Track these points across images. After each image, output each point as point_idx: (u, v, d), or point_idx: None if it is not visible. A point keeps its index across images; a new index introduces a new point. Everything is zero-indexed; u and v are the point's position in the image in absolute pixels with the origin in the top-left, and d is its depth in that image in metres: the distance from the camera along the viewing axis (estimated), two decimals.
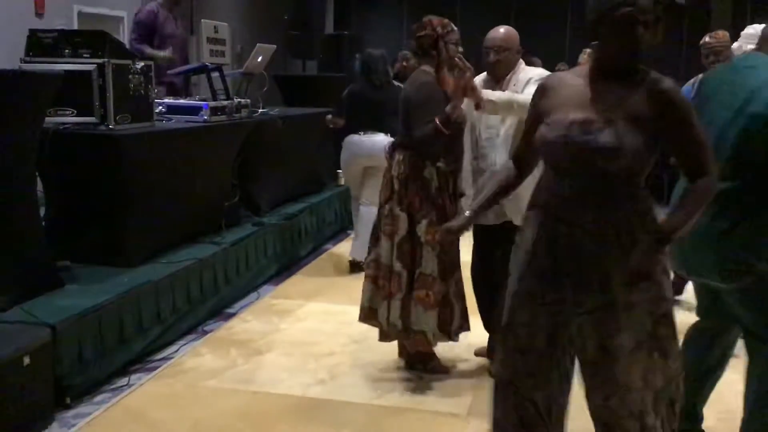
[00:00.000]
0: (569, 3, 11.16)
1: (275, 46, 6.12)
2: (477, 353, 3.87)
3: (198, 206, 4.72)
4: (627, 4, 1.96)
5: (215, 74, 5.30)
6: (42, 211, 3.92)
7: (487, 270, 3.65)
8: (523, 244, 2.20)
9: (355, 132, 5.42)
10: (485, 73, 3.63)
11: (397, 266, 3.48)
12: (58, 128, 3.93)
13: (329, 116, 5.80)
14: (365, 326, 3.70)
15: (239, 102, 5.29)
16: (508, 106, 3.32)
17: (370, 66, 5.42)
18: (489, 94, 3.34)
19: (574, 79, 2.15)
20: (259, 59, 5.79)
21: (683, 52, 10.20)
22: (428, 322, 3.47)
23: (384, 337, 3.65)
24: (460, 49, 3.51)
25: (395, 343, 3.74)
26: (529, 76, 3.47)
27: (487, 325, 3.78)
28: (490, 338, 3.75)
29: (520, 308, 2.18)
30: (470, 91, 3.30)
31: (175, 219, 4.49)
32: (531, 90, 3.24)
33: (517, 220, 3.46)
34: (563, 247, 2.09)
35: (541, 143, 2.13)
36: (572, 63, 6.44)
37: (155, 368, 3.71)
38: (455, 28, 3.55)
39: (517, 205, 3.36)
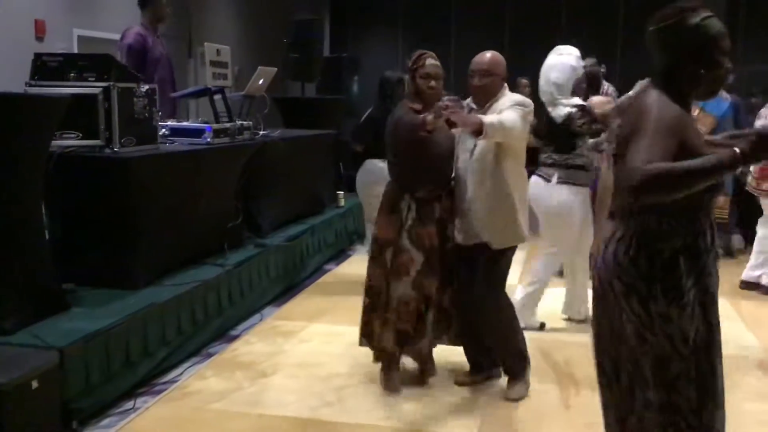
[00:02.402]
0: (562, 20, 11.27)
1: (276, 68, 6.16)
2: (458, 383, 3.84)
3: (201, 228, 4.72)
4: (727, 35, 2.05)
5: (218, 96, 5.33)
6: (47, 234, 3.92)
7: (467, 292, 3.66)
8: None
9: (376, 157, 5.33)
10: (470, 98, 3.64)
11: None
12: (64, 151, 3.94)
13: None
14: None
15: (241, 124, 5.32)
16: (503, 128, 3.33)
17: (386, 91, 5.38)
18: (487, 118, 3.31)
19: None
20: (261, 81, 5.82)
21: None
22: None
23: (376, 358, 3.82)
24: (432, 83, 3.57)
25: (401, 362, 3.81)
26: (510, 102, 3.45)
27: (475, 350, 3.83)
28: (472, 367, 3.85)
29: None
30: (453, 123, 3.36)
31: (179, 241, 4.49)
32: (511, 114, 3.35)
33: (495, 242, 3.50)
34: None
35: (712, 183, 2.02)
36: None
37: (161, 391, 3.70)
38: (428, 62, 3.58)
39: (493, 227, 3.51)
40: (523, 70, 7.88)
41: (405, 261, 3.57)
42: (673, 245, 2.03)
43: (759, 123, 5.67)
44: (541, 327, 4.63)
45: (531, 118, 3.57)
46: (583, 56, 5.25)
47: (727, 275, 6.19)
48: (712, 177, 1.91)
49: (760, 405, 3.73)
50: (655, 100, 2.00)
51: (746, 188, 5.94)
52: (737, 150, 1.84)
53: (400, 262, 3.58)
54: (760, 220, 5.80)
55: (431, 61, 3.60)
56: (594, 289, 2.20)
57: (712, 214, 2.12)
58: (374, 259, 3.69)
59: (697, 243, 2.07)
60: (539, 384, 3.82)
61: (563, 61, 4.52)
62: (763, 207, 5.76)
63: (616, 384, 2.15)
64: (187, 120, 5.76)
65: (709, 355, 2.06)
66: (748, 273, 5.79)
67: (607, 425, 2.24)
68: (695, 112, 5.07)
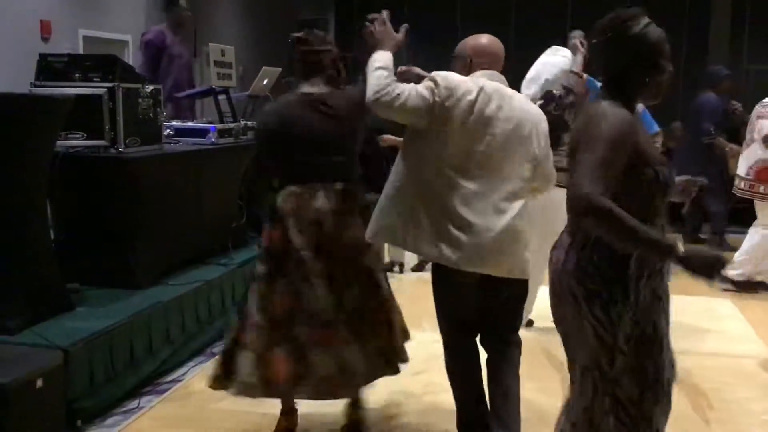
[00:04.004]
0: (568, 14, 11.26)
1: (280, 68, 6.18)
2: None
3: (206, 228, 4.74)
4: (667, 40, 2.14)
5: (222, 97, 5.35)
6: (52, 234, 3.94)
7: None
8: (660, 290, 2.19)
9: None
10: None
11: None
12: (69, 151, 3.97)
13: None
14: None
15: (246, 124, 5.33)
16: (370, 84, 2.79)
17: None
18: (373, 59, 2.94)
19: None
20: (265, 82, 5.83)
21: (682, 61, 10.28)
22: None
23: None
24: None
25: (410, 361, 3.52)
26: None
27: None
28: None
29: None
30: None
31: (183, 240, 4.51)
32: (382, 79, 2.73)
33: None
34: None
35: (663, 185, 2.10)
36: None
37: (165, 390, 3.71)
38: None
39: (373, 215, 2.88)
40: (529, 66, 7.86)
41: None
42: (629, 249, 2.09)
43: (763, 123, 5.63)
44: (529, 324, 4.64)
45: (441, 98, 2.67)
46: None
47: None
48: (645, 251, 2.03)
49: (765, 404, 3.73)
50: (604, 109, 2.06)
51: (734, 191, 5.90)
52: (679, 251, 1.94)
53: None
54: (754, 224, 5.77)
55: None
56: (554, 294, 2.23)
57: (663, 217, 2.17)
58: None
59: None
60: (540, 383, 3.82)
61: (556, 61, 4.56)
62: (757, 210, 5.73)
63: (581, 378, 2.21)
64: (192, 120, 5.79)
65: (651, 349, 2.12)
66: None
67: (574, 414, 2.29)
68: None
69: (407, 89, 2.68)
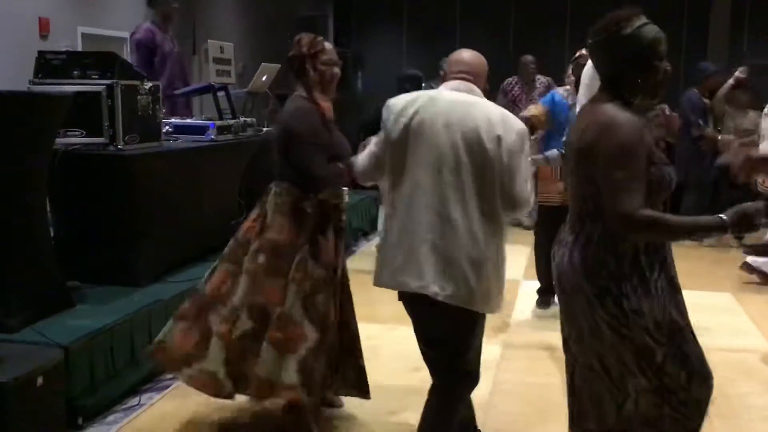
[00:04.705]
0: (567, 20, 11.25)
1: (279, 65, 6.17)
2: None
3: (205, 225, 4.74)
4: (663, 40, 2.13)
5: (221, 94, 5.34)
6: (51, 232, 3.93)
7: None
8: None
9: None
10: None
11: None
12: (68, 149, 3.96)
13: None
14: (373, 340, 3.70)
15: (245, 121, 5.32)
16: None
17: (404, 87, 5.33)
18: None
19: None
20: (264, 78, 5.83)
21: (682, 57, 10.26)
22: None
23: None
24: (336, 70, 3.20)
25: (409, 357, 3.41)
26: None
27: None
28: None
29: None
30: None
31: (183, 238, 4.51)
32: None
33: None
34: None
35: (667, 184, 2.16)
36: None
37: (166, 387, 3.71)
38: (328, 46, 3.23)
39: None
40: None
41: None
42: (634, 244, 2.11)
43: None
44: None
45: (385, 126, 2.64)
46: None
47: (725, 270, 6.23)
48: (696, 237, 2.16)
49: (766, 399, 3.73)
50: (614, 116, 2.08)
51: (759, 189, 5.88)
52: (725, 220, 2.00)
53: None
54: None
55: (329, 45, 3.25)
56: (562, 292, 2.25)
57: (664, 206, 2.24)
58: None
59: None
60: (542, 378, 3.82)
61: None
62: None
63: (606, 377, 2.21)
64: (191, 117, 5.78)
65: (684, 334, 2.18)
66: (755, 258, 5.77)
67: (603, 413, 2.28)
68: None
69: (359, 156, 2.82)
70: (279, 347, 3.03)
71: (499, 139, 2.48)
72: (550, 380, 3.82)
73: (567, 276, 2.20)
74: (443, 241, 2.50)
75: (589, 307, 2.15)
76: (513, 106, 7.72)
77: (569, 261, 2.18)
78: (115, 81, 4.02)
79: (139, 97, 4.22)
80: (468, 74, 2.67)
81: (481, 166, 2.49)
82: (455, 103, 2.57)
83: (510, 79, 8.01)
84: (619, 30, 2.09)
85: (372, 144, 2.74)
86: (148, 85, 4.31)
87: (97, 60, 4.13)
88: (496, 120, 2.52)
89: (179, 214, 4.47)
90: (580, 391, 2.31)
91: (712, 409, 3.29)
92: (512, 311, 5.07)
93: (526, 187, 2.55)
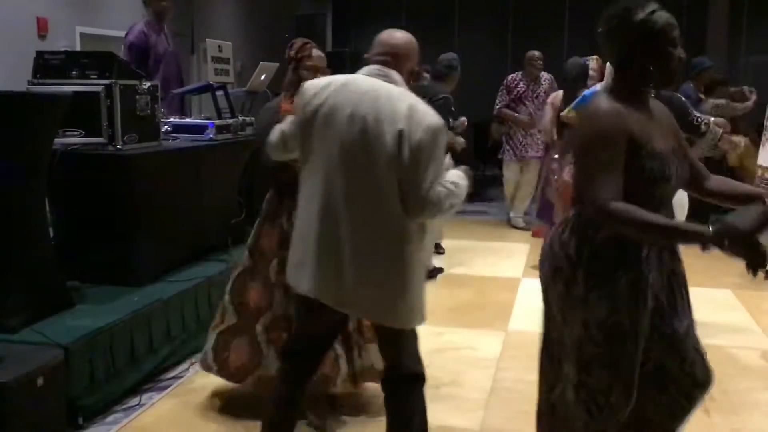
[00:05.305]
0: (565, 17, 11.25)
1: (278, 64, 6.16)
2: None
3: (205, 224, 4.73)
4: (676, 26, 2.08)
5: (220, 93, 5.34)
6: (51, 232, 3.93)
7: None
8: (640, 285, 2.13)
9: None
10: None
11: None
12: (67, 149, 3.95)
13: None
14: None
15: (244, 120, 5.32)
16: None
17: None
18: None
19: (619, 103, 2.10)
20: (263, 77, 5.83)
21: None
22: None
23: None
24: (319, 77, 2.96)
25: None
26: None
27: None
28: None
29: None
30: None
31: (182, 237, 4.51)
32: None
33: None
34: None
35: (660, 174, 2.06)
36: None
37: (166, 387, 3.71)
38: (315, 53, 3.22)
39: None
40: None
41: None
42: (603, 233, 2.07)
43: None
44: None
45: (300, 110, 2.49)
46: (588, 54, 5.24)
47: (725, 266, 6.18)
48: (674, 242, 2.08)
49: (767, 395, 3.73)
50: (593, 108, 2.07)
51: (758, 182, 5.86)
52: (707, 233, 1.89)
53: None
54: None
55: (318, 52, 3.23)
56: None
57: (666, 207, 2.13)
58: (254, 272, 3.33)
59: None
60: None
61: None
62: None
63: (547, 357, 2.25)
64: (190, 116, 5.77)
65: (625, 344, 2.10)
66: None
67: (540, 393, 2.32)
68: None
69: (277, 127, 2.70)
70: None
71: (400, 134, 2.27)
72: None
73: (542, 252, 2.25)
74: (330, 240, 2.37)
75: (544, 284, 2.19)
76: (519, 103, 7.66)
77: (549, 245, 2.22)
78: (113, 81, 4.01)
79: (137, 96, 4.22)
80: (387, 56, 2.47)
81: (379, 163, 2.30)
82: (366, 91, 2.38)
83: (514, 75, 7.82)
84: (631, 16, 2.06)
85: (287, 121, 2.64)
86: (146, 84, 4.31)
87: (96, 60, 4.12)
88: (403, 113, 2.30)
89: (179, 214, 4.46)
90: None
91: (712, 405, 3.33)
92: (512, 309, 5.07)
93: (434, 187, 2.32)
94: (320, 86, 2.46)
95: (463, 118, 6.04)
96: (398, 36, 2.52)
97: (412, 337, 2.56)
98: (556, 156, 5.13)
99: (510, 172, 7.86)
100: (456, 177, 2.45)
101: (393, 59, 2.46)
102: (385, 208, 2.33)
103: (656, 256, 2.14)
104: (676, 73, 2.11)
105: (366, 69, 2.48)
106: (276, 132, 2.68)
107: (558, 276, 2.13)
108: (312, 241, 2.41)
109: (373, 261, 2.36)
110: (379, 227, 2.34)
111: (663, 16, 2.07)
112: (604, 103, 2.06)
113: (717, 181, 2.29)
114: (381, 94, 2.36)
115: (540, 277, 2.27)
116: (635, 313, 2.09)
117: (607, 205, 1.94)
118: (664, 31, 2.06)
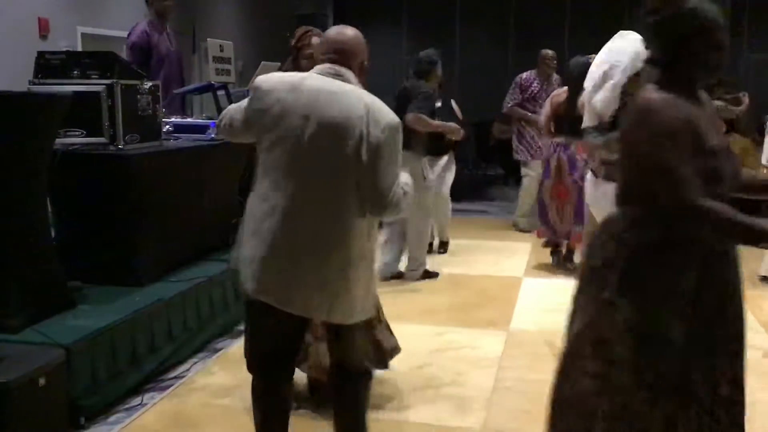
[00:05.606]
0: (566, 18, 11.23)
1: (279, 63, 6.16)
2: None
3: (206, 224, 4.73)
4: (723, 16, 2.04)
5: (221, 92, 5.33)
6: (52, 232, 3.93)
7: None
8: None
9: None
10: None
11: None
12: (68, 149, 3.96)
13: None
14: None
15: None
16: None
17: (423, 68, 5.77)
18: None
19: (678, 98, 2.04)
20: None
21: None
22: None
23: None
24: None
25: (402, 357, 3.60)
26: None
27: None
28: None
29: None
30: None
31: (184, 237, 4.51)
32: None
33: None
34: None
35: (714, 173, 2.00)
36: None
37: (168, 387, 3.71)
38: (315, 42, 3.17)
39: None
40: (528, 67, 7.82)
41: None
42: (640, 236, 2.04)
43: None
44: None
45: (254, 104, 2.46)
46: (590, 53, 5.21)
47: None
48: (750, 242, 1.96)
49: None
50: (652, 102, 1.99)
51: None
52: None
53: None
54: None
55: (318, 40, 3.15)
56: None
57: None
58: None
59: (685, 236, 2.03)
60: (545, 375, 3.80)
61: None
62: None
63: (569, 352, 2.27)
64: (191, 116, 5.77)
65: (653, 349, 2.06)
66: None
67: (556, 384, 2.35)
68: None
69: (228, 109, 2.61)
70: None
71: (359, 134, 2.27)
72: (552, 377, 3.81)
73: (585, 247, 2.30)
74: (280, 241, 2.33)
75: (580, 280, 2.22)
76: (533, 103, 7.52)
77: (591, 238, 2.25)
78: (114, 81, 4.01)
79: (139, 96, 4.22)
80: (335, 54, 2.43)
81: (335, 164, 2.29)
82: (319, 91, 2.34)
83: (527, 74, 7.64)
84: (681, 4, 2.01)
85: (238, 109, 2.56)
86: (148, 84, 4.31)
87: (97, 60, 4.11)
88: (359, 112, 2.29)
89: (180, 213, 4.46)
90: None
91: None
92: (514, 308, 5.06)
93: (393, 187, 2.31)
94: (273, 84, 2.42)
95: (455, 125, 5.88)
96: (345, 32, 2.50)
97: (359, 333, 2.55)
98: (584, 156, 5.03)
99: (532, 171, 7.40)
100: (406, 178, 2.46)
101: (341, 57, 2.44)
102: (338, 207, 2.31)
103: (703, 263, 2.06)
104: (723, 64, 2.07)
105: (318, 68, 2.45)
106: (226, 116, 2.62)
107: (594, 275, 2.13)
108: (260, 241, 2.37)
109: (318, 258, 2.33)
110: (329, 225, 2.32)
111: (712, 5, 2.04)
112: (661, 95, 1.98)
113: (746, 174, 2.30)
114: (335, 93, 2.34)
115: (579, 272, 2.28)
116: (668, 319, 2.06)
117: (698, 202, 1.88)
118: (716, 19, 2.02)
